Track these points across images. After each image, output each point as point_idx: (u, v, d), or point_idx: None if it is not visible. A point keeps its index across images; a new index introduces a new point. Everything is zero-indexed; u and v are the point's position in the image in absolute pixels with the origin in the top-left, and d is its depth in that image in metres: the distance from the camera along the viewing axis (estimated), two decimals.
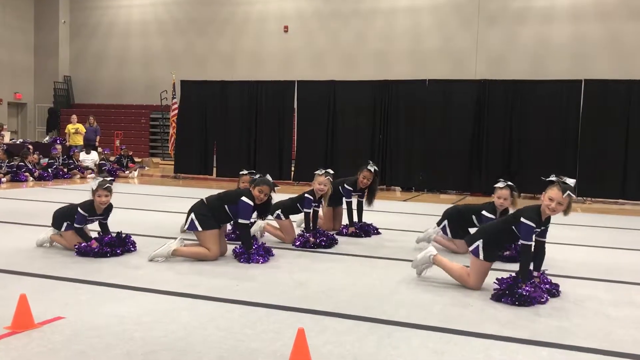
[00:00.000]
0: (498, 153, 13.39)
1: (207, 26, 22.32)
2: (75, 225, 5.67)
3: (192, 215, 5.59)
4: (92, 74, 24.15)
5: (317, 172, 6.62)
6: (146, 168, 19.03)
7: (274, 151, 14.98)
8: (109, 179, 5.85)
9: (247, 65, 21.34)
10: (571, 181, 4.44)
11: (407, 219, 9.02)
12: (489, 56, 18.80)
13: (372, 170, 7.18)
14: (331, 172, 6.66)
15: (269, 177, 5.74)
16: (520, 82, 13.70)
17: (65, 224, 5.79)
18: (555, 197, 4.39)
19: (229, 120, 15.39)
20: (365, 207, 7.40)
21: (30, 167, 13.88)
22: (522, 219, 4.49)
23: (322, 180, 6.48)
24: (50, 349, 3.25)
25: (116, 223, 7.22)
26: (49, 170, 14.10)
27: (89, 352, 3.23)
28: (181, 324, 3.73)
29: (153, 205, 9.71)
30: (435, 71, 17.66)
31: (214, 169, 15.81)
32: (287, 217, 6.69)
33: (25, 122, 24.26)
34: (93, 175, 14.96)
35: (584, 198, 12.85)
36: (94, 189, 5.67)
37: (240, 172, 7.16)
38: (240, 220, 5.57)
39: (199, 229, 5.54)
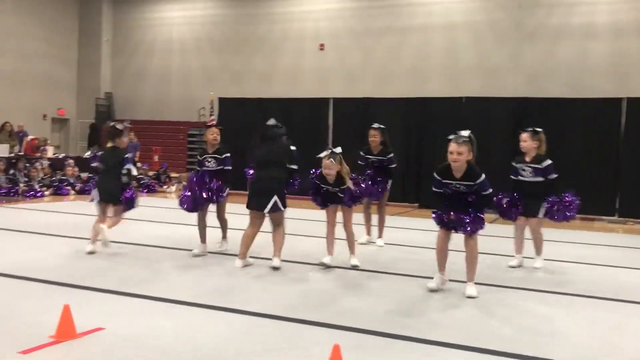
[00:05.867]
0: None
1: (244, 44, 22.65)
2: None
3: (276, 198, 5.86)
4: (132, 90, 24.70)
5: (321, 154, 6.14)
6: (183, 183, 19.30)
7: (309, 167, 15.03)
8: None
9: (283, 83, 21.53)
10: (465, 132, 5.07)
11: None
12: (526, 73, 18.56)
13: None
14: (337, 151, 6.02)
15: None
16: (559, 100, 13.49)
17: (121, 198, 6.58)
18: (452, 149, 5.01)
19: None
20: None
21: (71, 180, 14.24)
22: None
23: (325, 164, 6.05)
24: (90, 358, 3.33)
25: (154, 237, 7.41)
26: (90, 184, 14.43)
27: None
28: (217, 337, 3.77)
29: (189, 219, 9.82)
30: (471, 88, 17.50)
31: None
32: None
33: (67, 137, 24.90)
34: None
35: (626, 219, 12.52)
36: (122, 130, 6.83)
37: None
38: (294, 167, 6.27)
39: (282, 209, 5.93)
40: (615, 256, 7.66)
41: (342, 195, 6.05)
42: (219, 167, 6.61)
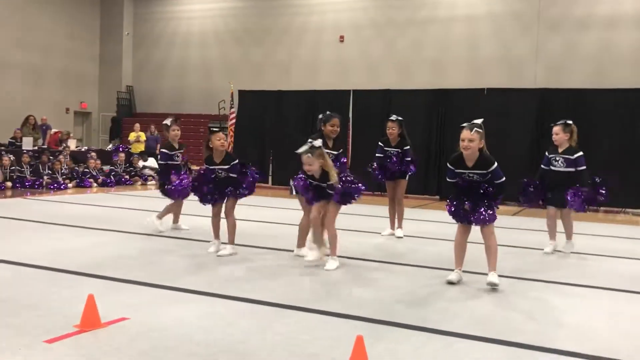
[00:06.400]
0: None
1: (264, 36, 22.68)
2: (160, 162, 7.01)
3: (291, 183, 6.07)
4: (153, 83, 24.89)
5: (299, 150, 5.70)
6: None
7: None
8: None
9: (303, 75, 21.53)
10: (477, 120, 5.18)
11: None
12: (549, 64, 18.33)
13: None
14: (317, 144, 5.60)
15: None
16: (582, 91, 13.27)
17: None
18: (464, 136, 5.07)
19: (285, 129, 15.53)
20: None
21: (94, 173, 14.40)
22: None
23: (304, 160, 5.62)
24: (115, 348, 3.36)
25: (176, 229, 7.47)
26: (112, 176, 14.59)
27: (152, 352, 3.32)
28: (240, 327, 3.79)
29: (209, 211, 9.88)
30: (493, 79, 17.32)
31: (270, 178, 15.98)
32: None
33: (89, 130, 25.21)
34: (154, 182, 15.38)
35: None
36: (168, 124, 7.15)
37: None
38: None
39: (293, 193, 6.10)
40: (638, 249, 7.54)
41: (331, 192, 5.63)
42: (230, 175, 6.14)
